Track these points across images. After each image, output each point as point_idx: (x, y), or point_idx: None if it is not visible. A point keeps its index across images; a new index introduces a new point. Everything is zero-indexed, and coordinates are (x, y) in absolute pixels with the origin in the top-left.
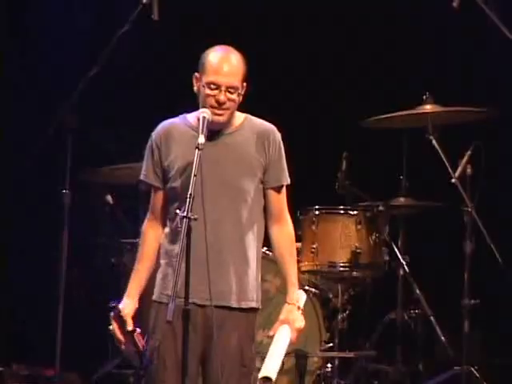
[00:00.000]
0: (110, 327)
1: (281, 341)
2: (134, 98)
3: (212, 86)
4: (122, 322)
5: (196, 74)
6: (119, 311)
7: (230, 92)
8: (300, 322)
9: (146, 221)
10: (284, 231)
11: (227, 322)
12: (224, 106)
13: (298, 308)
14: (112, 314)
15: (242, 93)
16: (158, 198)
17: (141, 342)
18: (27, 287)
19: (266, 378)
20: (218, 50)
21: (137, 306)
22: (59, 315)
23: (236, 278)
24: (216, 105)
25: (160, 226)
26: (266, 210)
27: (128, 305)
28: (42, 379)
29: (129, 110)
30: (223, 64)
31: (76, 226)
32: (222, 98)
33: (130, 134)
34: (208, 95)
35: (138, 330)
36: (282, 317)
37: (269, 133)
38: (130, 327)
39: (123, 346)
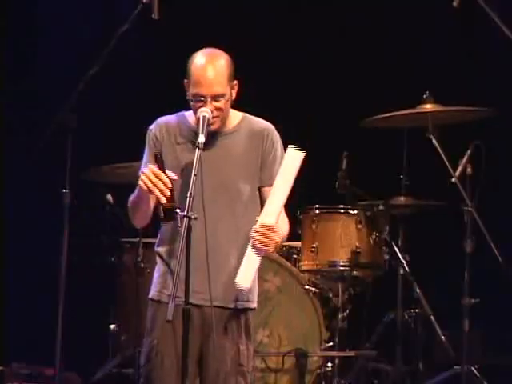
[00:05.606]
0: (147, 172)
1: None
2: (134, 97)
3: (197, 98)
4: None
5: (185, 80)
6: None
7: (216, 101)
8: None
9: None
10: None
11: (222, 322)
12: (213, 115)
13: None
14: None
15: (233, 94)
16: None
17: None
18: (27, 287)
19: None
20: (200, 58)
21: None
22: (59, 315)
23: (229, 278)
24: None
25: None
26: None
27: None
28: (42, 378)
29: (128, 109)
30: (205, 74)
31: (76, 225)
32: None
33: None
34: (195, 107)
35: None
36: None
37: (264, 131)
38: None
39: (160, 197)
